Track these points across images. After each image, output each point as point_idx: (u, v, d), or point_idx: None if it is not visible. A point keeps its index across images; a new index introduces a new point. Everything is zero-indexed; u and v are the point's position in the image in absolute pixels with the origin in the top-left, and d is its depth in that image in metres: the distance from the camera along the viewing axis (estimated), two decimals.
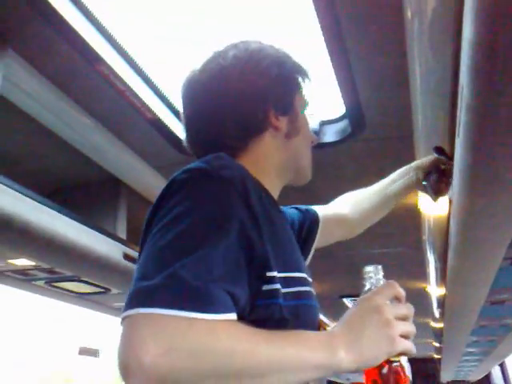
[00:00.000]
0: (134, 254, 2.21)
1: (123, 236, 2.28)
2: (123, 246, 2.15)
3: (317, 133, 1.95)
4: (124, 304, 0.61)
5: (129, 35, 1.56)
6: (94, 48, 1.47)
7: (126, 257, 2.15)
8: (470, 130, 1.01)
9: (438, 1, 1.12)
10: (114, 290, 2.53)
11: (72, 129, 1.87)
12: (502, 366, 6.18)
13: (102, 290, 2.53)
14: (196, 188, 0.74)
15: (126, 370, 0.56)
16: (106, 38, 1.51)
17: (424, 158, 1.41)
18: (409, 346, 0.71)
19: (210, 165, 0.77)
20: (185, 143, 1.00)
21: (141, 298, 0.60)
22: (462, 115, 1.02)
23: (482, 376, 8.12)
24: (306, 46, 1.67)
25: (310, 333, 0.70)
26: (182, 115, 0.99)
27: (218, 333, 0.59)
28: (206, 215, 0.70)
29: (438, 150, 1.41)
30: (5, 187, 1.51)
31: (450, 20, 1.12)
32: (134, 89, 1.64)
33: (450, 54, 1.20)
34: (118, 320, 0.62)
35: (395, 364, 0.78)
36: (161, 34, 1.63)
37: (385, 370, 0.78)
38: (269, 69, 0.95)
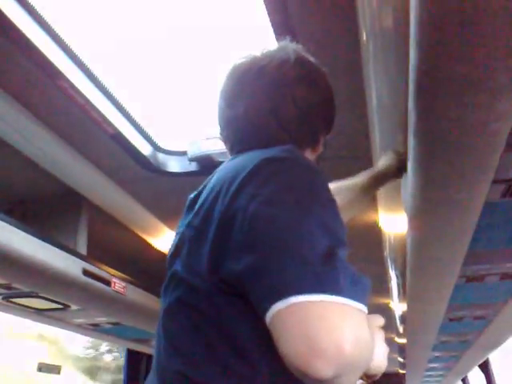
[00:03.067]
0: (94, 269, 2.18)
1: (83, 251, 2.24)
2: (83, 262, 2.12)
3: None
4: (283, 284, 0.62)
5: (89, 49, 1.55)
6: (54, 62, 1.45)
7: (86, 272, 2.12)
8: (418, 153, 1.04)
9: (391, 26, 1.16)
10: (74, 307, 2.49)
11: (32, 143, 1.84)
12: (464, 381, 6.26)
13: (61, 307, 2.48)
14: (301, 173, 0.75)
15: (320, 351, 0.57)
16: (66, 52, 1.50)
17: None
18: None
19: (297, 154, 0.79)
20: (221, 128, 0.96)
21: (325, 284, 0.61)
22: (410, 139, 1.05)
23: None
24: None
25: None
26: (227, 98, 0.93)
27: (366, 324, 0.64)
28: (323, 201, 0.72)
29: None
30: None
31: (402, 44, 1.16)
32: (95, 103, 1.64)
33: (402, 77, 1.24)
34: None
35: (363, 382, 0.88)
36: (122, 48, 1.63)
37: None
38: (330, 86, 0.98)
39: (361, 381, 0.87)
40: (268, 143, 0.82)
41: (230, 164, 0.83)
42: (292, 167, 0.75)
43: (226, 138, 0.96)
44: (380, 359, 0.79)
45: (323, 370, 0.57)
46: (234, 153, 0.93)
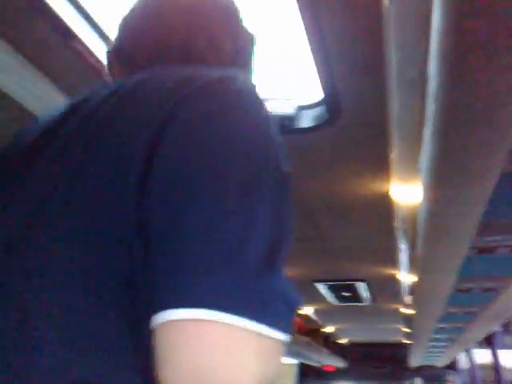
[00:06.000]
0: None
1: None
2: None
3: (293, 118, 1.95)
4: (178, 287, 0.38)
5: None
6: None
7: None
8: (437, 121, 1.03)
9: None
10: None
11: None
12: (468, 352, 6.34)
13: None
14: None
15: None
16: None
17: None
18: None
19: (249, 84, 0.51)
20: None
21: (233, 299, 0.38)
22: (429, 105, 1.04)
23: (449, 362, 8.34)
24: (287, 34, 1.66)
25: None
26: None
27: None
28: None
29: None
30: None
31: (424, 10, 1.14)
32: None
33: (424, 44, 1.22)
34: None
35: None
36: None
37: None
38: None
39: None
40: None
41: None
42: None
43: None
44: None
45: None
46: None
